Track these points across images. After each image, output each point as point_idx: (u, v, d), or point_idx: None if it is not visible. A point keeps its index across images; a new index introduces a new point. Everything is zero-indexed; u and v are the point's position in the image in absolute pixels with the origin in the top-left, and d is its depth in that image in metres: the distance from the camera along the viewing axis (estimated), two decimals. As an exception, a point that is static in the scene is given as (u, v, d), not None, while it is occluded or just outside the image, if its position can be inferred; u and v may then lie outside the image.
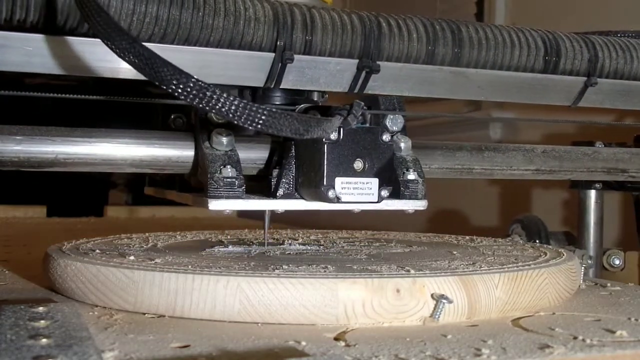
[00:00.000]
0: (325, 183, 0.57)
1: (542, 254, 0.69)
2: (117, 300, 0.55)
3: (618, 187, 0.94)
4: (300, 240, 0.80)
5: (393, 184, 0.61)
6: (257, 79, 0.62)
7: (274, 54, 0.60)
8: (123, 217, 1.84)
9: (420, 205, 0.63)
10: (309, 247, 0.73)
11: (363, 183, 0.58)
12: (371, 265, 0.59)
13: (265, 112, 0.48)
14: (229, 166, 0.59)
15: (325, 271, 0.56)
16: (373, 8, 0.69)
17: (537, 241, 0.94)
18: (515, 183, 1.44)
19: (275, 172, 0.62)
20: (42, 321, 0.44)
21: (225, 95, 0.47)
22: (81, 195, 2.27)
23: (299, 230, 0.97)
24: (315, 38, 0.61)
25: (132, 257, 0.61)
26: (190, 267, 0.56)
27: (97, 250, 0.66)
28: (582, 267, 0.69)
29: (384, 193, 0.59)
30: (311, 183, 0.58)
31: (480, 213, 1.63)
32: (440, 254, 0.69)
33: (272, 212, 0.66)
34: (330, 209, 0.59)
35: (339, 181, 0.57)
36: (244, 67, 0.60)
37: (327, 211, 0.61)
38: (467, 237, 0.85)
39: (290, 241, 0.78)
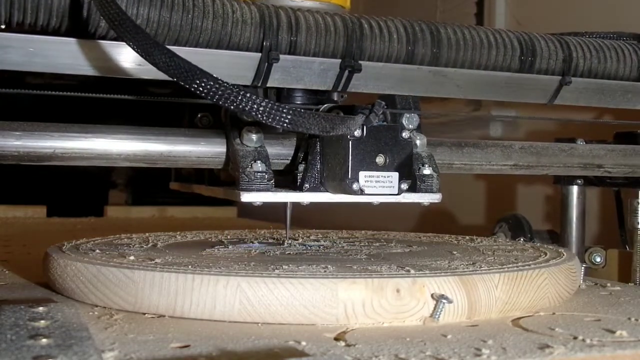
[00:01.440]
0: (350, 176, 0.59)
1: (542, 254, 0.69)
2: (117, 300, 0.55)
3: (598, 183, 0.95)
4: (300, 240, 0.80)
5: (411, 179, 0.63)
6: (245, 78, 0.64)
7: (260, 54, 0.62)
8: (123, 217, 1.83)
9: (435, 198, 0.65)
10: (309, 247, 0.73)
11: (385, 177, 0.61)
12: (371, 265, 0.60)
13: (290, 112, 0.51)
14: (259, 161, 0.62)
15: (325, 271, 0.56)
16: (377, 6, 0.70)
17: (522, 239, 0.95)
18: (500, 181, 1.45)
19: (301, 167, 0.65)
20: (42, 321, 0.44)
21: (254, 97, 0.50)
22: (81, 195, 2.28)
23: (299, 230, 0.97)
24: (300, 39, 0.63)
25: (132, 257, 0.61)
26: (190, 267, 0.56)
27: (97, 250, 0.66)
28: (583, 267, 0.69)
29: (404, 186, 0.62)
30: (336, 177, 0.61)
31: (464, 211, 1.63)
32: (440, 254, 0.69)
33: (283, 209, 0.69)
34: (354, 201, 0.62)
35: (362, 175, 0.60)
36: (232, 66, 0.62)
37: (326, 207, 0.63)
38: (467, 237, 0.85)
39: (290, 241, 0.78)
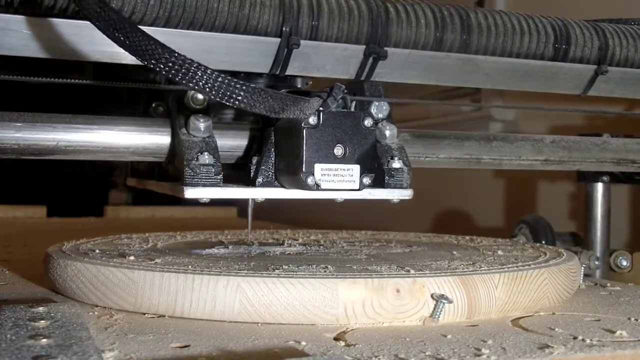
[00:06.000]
0: (304, 169, 0.54)
1: (542, 254, 0.69)
2: (117, 300, 0.55)
3: (626, 180, 0.92)
4: (300, 240, 0.80)
5: (377, 173, 0.59)
6: (262, 65, 0.61)
7: (279, 40, 0.59)
8: (123, 217, 1.84)
9: (405, 194, 0.61)
10: (309, 247, 0.73)
11: (344, 170, 0.55)
12: (371, 265, 0.59)
13: (243, 88, 0.48)
14: (206, 153, 0.57)
15: (325, 271, 0.56)
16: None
17: (544, 242, 0.93)
18: (521, 180, 1.43)
19: (255, 160, 0.60)
20: (42, 321, 0.44)
21: (208, 70, 0.47)
22: (81, 195, 2.28)
23: (299, 230, 0.97)
24: (321, 23, 0.60)
25: (132, 257, 0.61)
26: (190, 267, 0.56)
27: (97, 250, 0.66)
28: (582, 267, 0.69)
29: (366, 180, 0.56)
30: (290, 170, 0.56)
31: (484, 212, 1.61)
32: (440, 254, 0.69)
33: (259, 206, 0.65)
34: (310, 197, 0.57)
35: (318, 167, 0.54)
36: (249, 52, 0.59)
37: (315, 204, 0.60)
38: (467, 237, 0.85)
39: (290, 241, 0.78)
